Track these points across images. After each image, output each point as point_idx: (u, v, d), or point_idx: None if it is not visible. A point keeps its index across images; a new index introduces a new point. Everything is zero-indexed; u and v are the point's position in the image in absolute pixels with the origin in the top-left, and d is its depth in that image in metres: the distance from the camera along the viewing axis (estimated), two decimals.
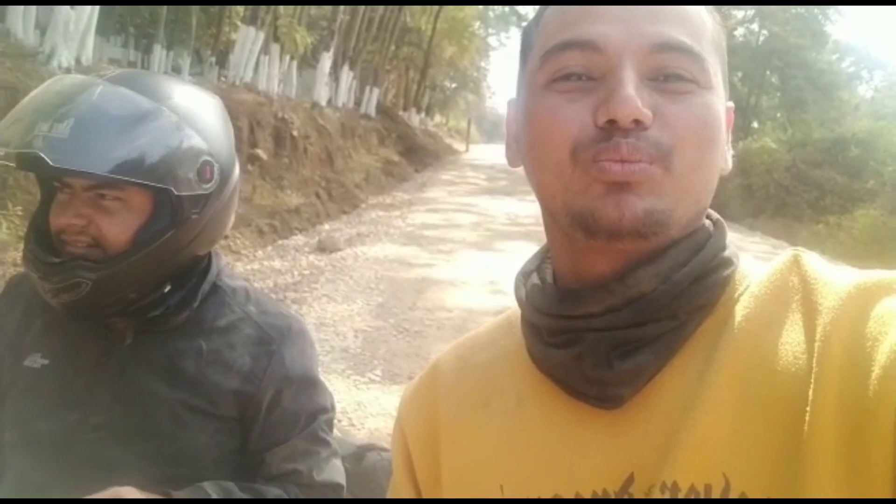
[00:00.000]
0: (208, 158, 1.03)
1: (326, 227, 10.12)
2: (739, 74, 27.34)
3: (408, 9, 25.55)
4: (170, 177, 0.98)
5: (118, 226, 1.00)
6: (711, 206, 0.60)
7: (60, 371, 1.07)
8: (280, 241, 8.70)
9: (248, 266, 7.31)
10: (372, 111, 21.98)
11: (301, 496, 1.12)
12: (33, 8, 8.40)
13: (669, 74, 0.54)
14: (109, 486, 1.02)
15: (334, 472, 1.16)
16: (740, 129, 23.08)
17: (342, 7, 17.39)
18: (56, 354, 1.08)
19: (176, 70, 12.94)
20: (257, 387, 1.09)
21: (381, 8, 21.91)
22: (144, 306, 1.05)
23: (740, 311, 0.55)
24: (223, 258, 1.20)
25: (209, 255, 1.15)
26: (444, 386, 0.69)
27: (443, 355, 0.73)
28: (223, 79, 14.05)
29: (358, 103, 21.47)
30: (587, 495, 0.55)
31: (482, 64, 53.45)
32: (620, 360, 0.54)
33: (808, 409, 0.47)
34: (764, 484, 0.48)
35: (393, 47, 26.47)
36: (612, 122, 0.52)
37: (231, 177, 1.11)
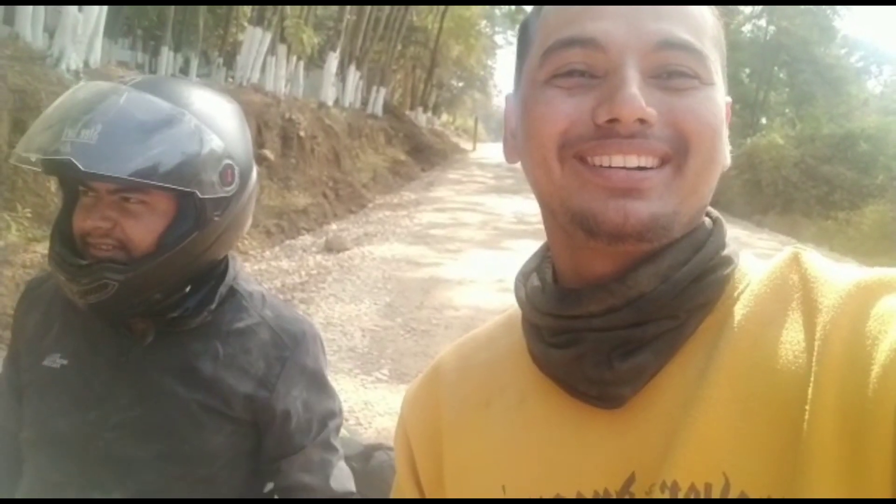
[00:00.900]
0: (229, 162, 1.06)
1: (334, 226, 10.13)
2: (747, 70, 27.20)
3: (414, 8, 25.55)
4: (194, 180, 1.00)
5: (143, 228, 1.02)
6: (720, 203, 0.60)
7: (80, 371, 1.08)
8: (287, 242, 8.72)
9: (255, 266, 7.33)
10: (379, 111, 21.99)
11: None
12: (41, 11, 8.45)
13: (672, 72, 0.53)
14: (126, 484, 1.04)
15: (346, 480, 1.19)
16: (748, 126, 22.98)
17: (348, 7, 17.40)
18: (75, 355, 1.09)
19: (183, 72, 13.00)
20: (270, 392, 1.11)
21: (387, 7, 21.91)
22: (164, 307, 1.07)
23: (740, 309, 0.55)
24: (240, 262, 1.21)
25: (226, 259, 1.17)
26: (445, 385, 0.69)
27: (444, 355, 0.73)
28: (230, 80, 14.10)
29: (365, 103, 21.49)
30: (589, 495, 0.55)
31: (489, 62, 53.44)
32: (621, 359, 0.54)
33: (807, 407, 0.47)
34: (764, 483, 0.48)
35: (399, 47, 26.47)
36: (613, 122, 0.52)
37: (250, 179, 1.13)
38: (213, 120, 1.05)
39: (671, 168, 0.53)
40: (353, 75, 19.38)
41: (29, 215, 5.16)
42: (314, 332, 1.20)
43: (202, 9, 14.48)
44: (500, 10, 39.04)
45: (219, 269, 1.14)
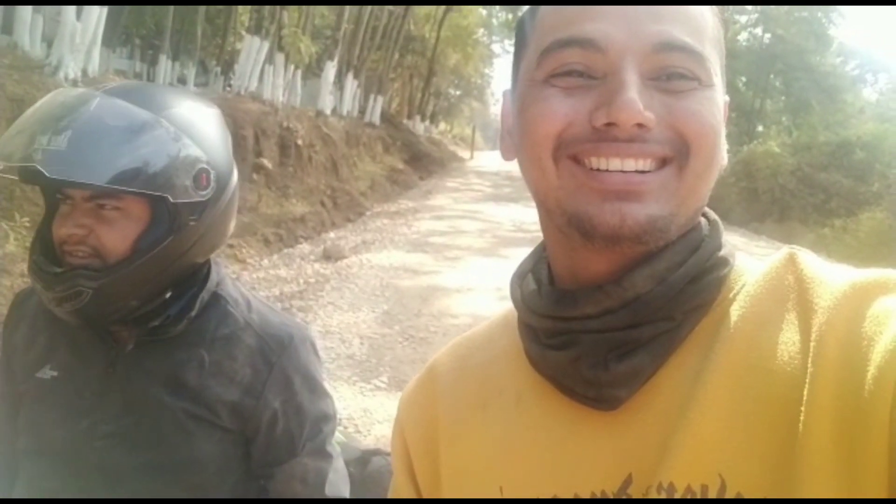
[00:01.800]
0: (204, 166, 1.05)
1: (332, 235, 10.13)
2: (744, 79, 27.26)
3: (411, 17, 25.61)
4: (166, 184, 0.99)
5: (117, 235, 1.01)
6: (718, 211, 0.60)
7: (70, 382, 1.08)
8: (286, 250, 8.71)
9: (253, 275, 7.32)
10: (376, 119, 22.00)
11: None
12: (40, 20, 8.47)
13: (672, 73, 0.53)
14: (117, 492, 1.03)
15: (342, 485, 1.18)
16: (745, 133, 23.03)
17: (346, 16, 17.44)
18: (65, 366, 1.09)
19: (181, 80, 13.01)
20: (257, 399, 1.10)
21: (384, 16, 21.97)
22: (145, 315, 1.07)
23: (736, 310, 0.55)
24: (224, 268, 1.21)
25: (209, 264, 1.16)
26: (442, 387, 0.69)
27: (440, 356, 0.73)
28: (228, 88, 14.11)
29: (362, 112, 21.50)
30: (586, 496, 0.55)
31: (486, 71, 53.48)
32: (617, 361, 0.54)
33: (803, 408, 0.47)
34: (760, 484, 0.48)
35: (397, 55, 26.52)
36: (610, 125, 0.52)
37: (229, 184, 1.11)
38: (187, 124, 1.04)
39: (671, 170, 0.53)
40: (351, 84, 19.41)
41: (27, 224, 5.15)
42: (303, 334, 1.18)
43: (200, 17, 14.51)
44: (497, 19, 39.20)
45: (200, 275, 1.13)
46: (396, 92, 32.98)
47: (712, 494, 0.49)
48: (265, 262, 8.00)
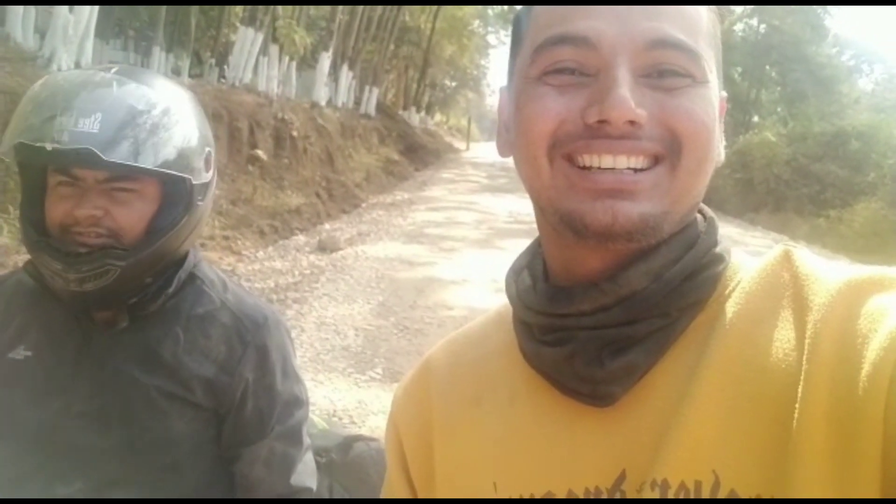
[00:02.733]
0: (210, 149, 1.11)
1: (327, 226, 10.11)
2: (739, 69, 27.26)
3: (407, 8, 25.50)
4: (189, 167, 1.04)
5: (134, 216, 1.04)
6: (713, 201, 0.60)
7: (43, 361, 1.08)
8: (281, 242, 8.69)
9: (249, 266, 7.31)
10: (372, 111, 21.95)
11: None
12: (32, 12, 8.41)
13: (664, 71, 0.53)
14: (90, 473, 1.03)
15: (308, 477, 1.19)
16: (741, 124, 23.05)
17: (341, 7, 17.36)
18: (38, 346, 1.09)
19: (176, 72, 12.94)
20: (231, 376, 1.11)
21: (379, 7, 21.87)
22: (124, 295, 1.07)
23: (731, 307, 0.55)
24: (200, 251, 1.23)
25: None
26: (436, 382, 0.69)
27: (434, 351, 0.73)
28: (223, 80, 14.04)
29: (358, 103, 21.44)
30: (580, 493, 0.55)
31: (482, 62, 53.44)
32: (612, 358, 0.54)
33: (797, 406, 0.47)
34: (753, 481, 0.48)
35: (392, 47, 26.43)
36: (602, 122, 0.52)
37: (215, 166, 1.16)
38: (192, 108, 1.09)
39: (664, 168, 0.53)
40: (346, 75, 19.34)
41: None
42: (277, 318, 1.20)
43: (194, 9, 14.41)
44: (492, 10, 39.08)
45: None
46: (392, 83, 32.91)
47: (706, 491, 0.49)
48: (260, 253, 7.99)
